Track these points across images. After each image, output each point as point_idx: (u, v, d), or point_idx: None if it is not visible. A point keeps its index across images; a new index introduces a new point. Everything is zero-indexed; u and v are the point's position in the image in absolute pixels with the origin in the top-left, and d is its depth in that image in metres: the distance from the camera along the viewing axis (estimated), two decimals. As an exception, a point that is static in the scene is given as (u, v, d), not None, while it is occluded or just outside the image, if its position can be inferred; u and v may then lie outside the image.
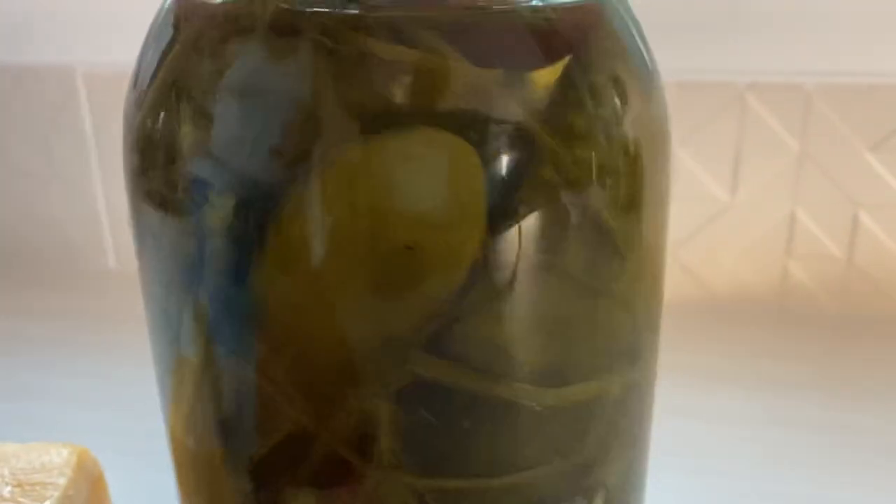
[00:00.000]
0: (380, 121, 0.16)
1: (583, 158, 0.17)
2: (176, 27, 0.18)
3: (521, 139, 0.16)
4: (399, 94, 0.16)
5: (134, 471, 0.31)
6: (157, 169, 0.18)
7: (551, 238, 0.17)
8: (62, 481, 0.24)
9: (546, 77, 0.17)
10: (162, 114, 0.18)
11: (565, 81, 0.17)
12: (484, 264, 0.16)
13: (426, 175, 0.16)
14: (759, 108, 0.41)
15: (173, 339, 0.19)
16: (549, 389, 0.18)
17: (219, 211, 0.17)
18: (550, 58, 0.17)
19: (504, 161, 0.16)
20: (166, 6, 0.18)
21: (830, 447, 0.33)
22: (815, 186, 0.42)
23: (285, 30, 0.16)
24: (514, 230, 0.17)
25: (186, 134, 0.17)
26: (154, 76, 0.18)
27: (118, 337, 0.42)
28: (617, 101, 0.18)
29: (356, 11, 0.16)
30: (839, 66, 0.40)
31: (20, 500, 0.23)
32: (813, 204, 0.42)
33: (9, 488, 0.23)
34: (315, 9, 0.16)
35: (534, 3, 0.17)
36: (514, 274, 0.17)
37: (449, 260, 0.16)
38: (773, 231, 0.43)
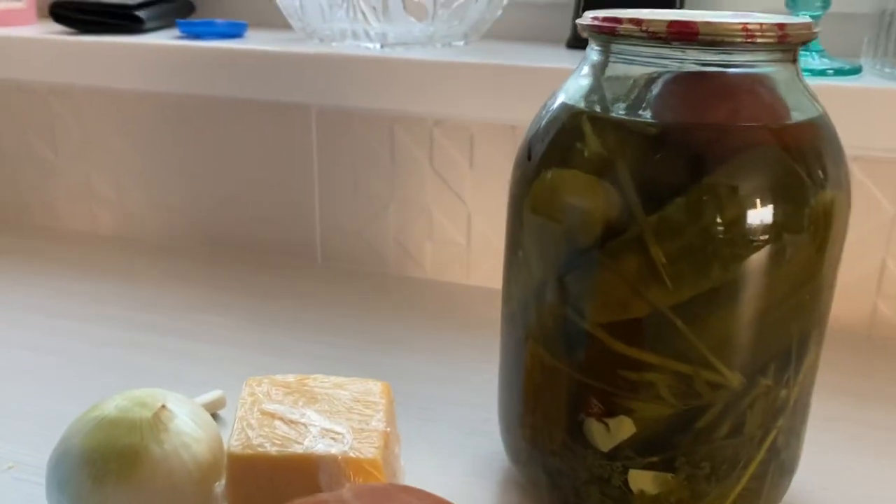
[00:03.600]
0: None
1: (798, 212, 0.29)
2: (563, 128, 0.31)
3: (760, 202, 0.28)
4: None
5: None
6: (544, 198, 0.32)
7: (772, 261, 0.29)
8: (382, 401, 0.35)
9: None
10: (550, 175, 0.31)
11: (794, 173, 0.28)
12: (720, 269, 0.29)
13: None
14: (861, 176, 0.51)
15: (536, 297, 0.33)
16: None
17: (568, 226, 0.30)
18: (786, 152, 0.29)
19: (751, 213, 0.28)
20: (554, 108, 0.32)
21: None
22: (904, 241, 0.52)
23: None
24: (750, 253, 0.28)
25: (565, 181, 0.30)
26: (544, 155, 0.31)
27: (331, 315, 0.54)
28: (822, 175, 0.29)
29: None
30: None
31: (363, 410, 0.34)
32: (902, 255, 0.52)
33: (351, 403, 0.34)
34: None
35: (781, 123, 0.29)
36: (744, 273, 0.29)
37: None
38: (868, 274, 0.53)
